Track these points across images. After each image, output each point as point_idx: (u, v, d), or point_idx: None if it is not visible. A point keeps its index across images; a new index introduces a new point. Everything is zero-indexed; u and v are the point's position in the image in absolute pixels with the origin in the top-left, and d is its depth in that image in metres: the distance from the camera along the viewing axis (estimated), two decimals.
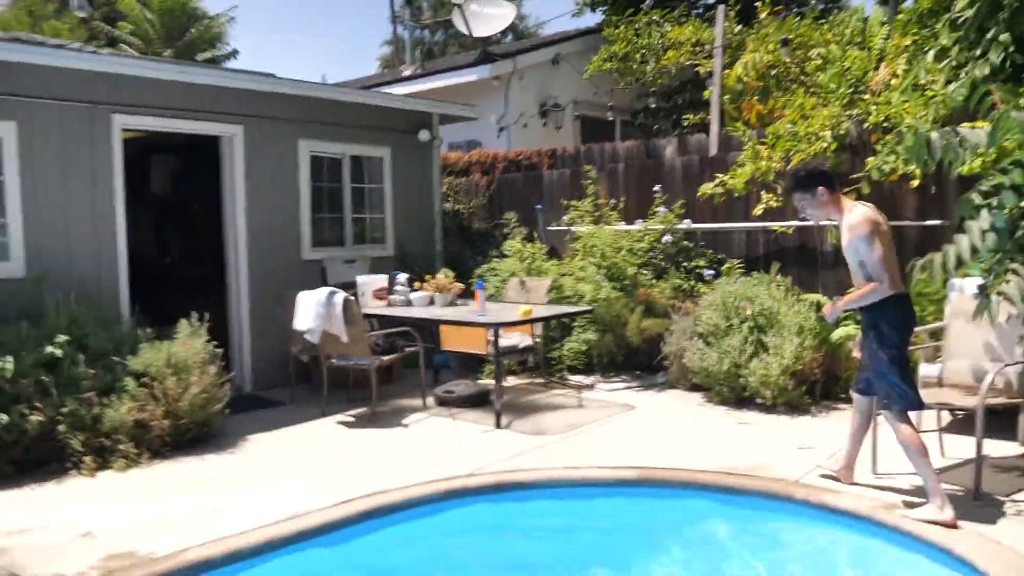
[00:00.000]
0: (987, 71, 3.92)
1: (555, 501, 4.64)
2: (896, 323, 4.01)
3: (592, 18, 25.66)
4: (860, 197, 5.23)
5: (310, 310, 6.16)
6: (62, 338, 5.25)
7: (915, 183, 6.16)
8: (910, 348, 4.23)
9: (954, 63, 4.38)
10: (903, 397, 3.95)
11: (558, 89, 11.91)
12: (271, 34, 47.81)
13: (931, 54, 4.68)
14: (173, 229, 10.91)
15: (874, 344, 4.05)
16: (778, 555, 3.97)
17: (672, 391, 6.94)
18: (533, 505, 4.61)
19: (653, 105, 12.11)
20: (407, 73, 12.68)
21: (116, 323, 5.91)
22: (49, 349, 5.16)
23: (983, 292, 4.06)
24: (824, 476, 4.48)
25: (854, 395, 4.44)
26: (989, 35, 3.94)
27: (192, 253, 10.55)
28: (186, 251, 10.77)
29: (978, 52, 3.99)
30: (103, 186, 6.30)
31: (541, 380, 7.39)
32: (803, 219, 6.98)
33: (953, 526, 3.68)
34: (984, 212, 4.18)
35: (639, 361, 7.59)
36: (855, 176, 6.17)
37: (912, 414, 4.07)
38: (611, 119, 12.07)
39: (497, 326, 5.97)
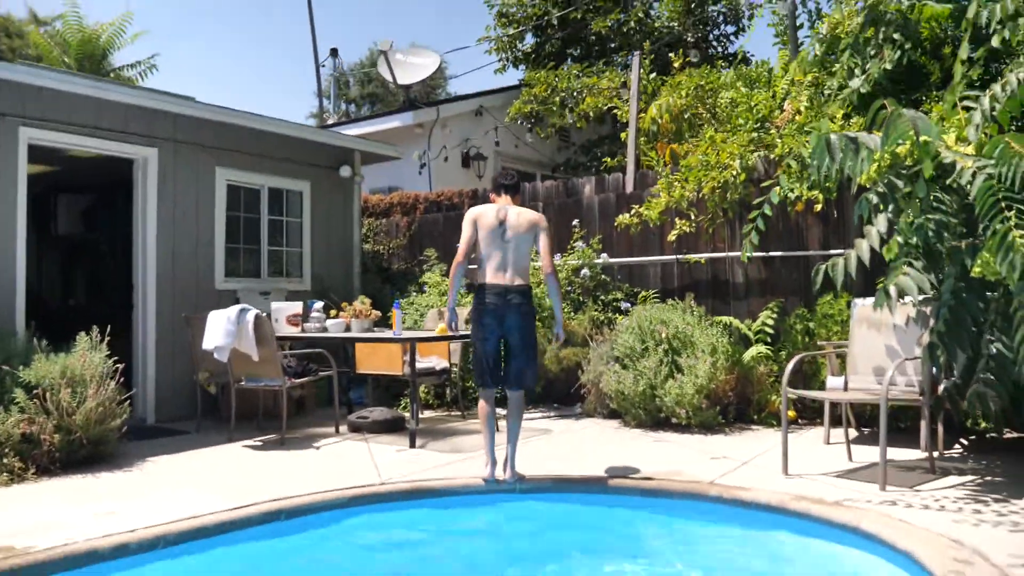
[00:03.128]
0: (887, 66, 4.14)
1: (471, 508, 4.54)
2: (474, 309, 4.69)
3: (515, 75, 26.44)
4: (765, 220, 5.17)
5: (220, 327, 5.96)
6: None
7: (818, 207, 6.42)
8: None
9: (846, 69, 4.63)
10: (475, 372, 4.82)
11: (480, 141, 12.10)
12: (197, 82, 46.87)
13: (834, 82, 4.93)
14: (80, 270, 10.52)
15: None
16: (699, 549, 3.96)
17: (589, 419, 6.92)
18: (447, 512, 4.48)
19: (569, 159, 12.40)
20: (331, 121, 12.72)
21: (11, 336, 5.60)
22: None
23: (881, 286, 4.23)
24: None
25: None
26: (881, 36, 4.21)
27: (99, 293, 10.17)
28: (93, 292, 10.37)
29: (872, 52, 4.25)
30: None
31: (459, 412, 7.28)
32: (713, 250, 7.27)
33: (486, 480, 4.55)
34: (881, 216, 4.41)
35: (557, 391, 7.58)
36: (759, 201, 5.89)
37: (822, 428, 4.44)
38: (532, 172, 12.32)
39: (413, 341, 5.89)
